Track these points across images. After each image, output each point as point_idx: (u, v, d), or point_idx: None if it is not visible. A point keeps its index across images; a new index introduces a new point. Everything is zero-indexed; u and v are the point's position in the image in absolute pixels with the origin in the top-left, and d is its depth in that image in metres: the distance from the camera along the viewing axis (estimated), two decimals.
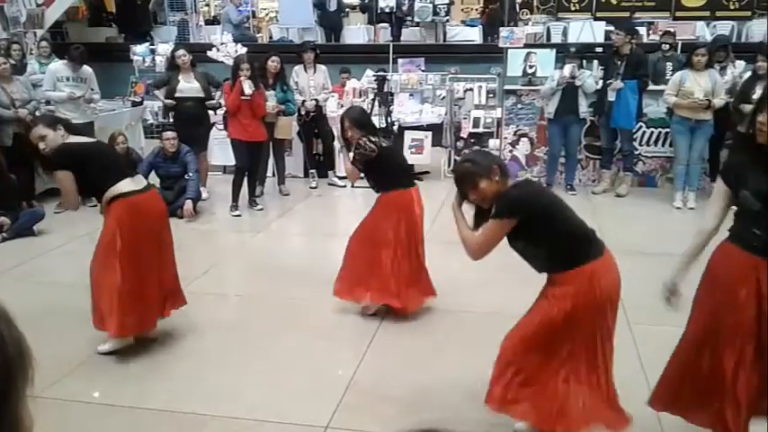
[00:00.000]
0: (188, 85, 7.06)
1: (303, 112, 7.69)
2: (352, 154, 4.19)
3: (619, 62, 7.16)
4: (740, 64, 7.37)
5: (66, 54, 7.24)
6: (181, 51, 7.14)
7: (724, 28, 10.70)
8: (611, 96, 7.13)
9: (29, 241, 6.00)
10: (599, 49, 8.09)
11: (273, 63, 7.20)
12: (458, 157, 8.45)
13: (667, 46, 8.03)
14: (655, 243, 5.83)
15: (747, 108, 6.40)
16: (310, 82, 7.69)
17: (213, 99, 7.19)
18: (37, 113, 6.94)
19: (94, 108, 7.44)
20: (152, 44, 9.95)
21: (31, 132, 3.64)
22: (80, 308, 4.35)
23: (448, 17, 11.75)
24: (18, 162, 6.63)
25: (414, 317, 4.29)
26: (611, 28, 7.91)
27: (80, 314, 4.26)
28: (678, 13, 11.28)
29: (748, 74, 6.75)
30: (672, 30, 9.12)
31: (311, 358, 3.77)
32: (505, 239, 2.78)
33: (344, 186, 8.02)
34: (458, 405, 3.24)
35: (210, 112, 7.54)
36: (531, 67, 8.05)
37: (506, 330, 2.94)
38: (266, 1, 15.30)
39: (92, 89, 7.23)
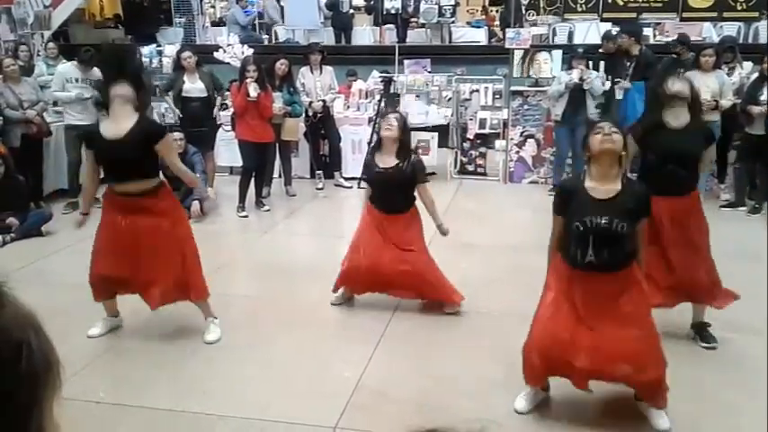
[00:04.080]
0: (192, 86, 7.10)
1: (310, 114, 7.70)
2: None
3: (628, 63, 7.13)
4: (747, 65, 7.33)
5: (75, 56, 7.26)
6: (186, 53, 7.19)
7: (731, 29, 10.66)
8: (619, 95, 7.10)
9: (36, 242, 6.02)
10: (602, 50, 8.06)
11: (282, 66, 7.20)
12: (464, 158, 8.46)
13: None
14: None
15: (755, 110, 6.39)
16: (317, 83, 7.69)
17: (215, 100, 7.25)
18: (45, 114, 6.99)
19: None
20: (158, 46, 9.98)
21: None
22: (86, 308, 4.37)
23: (453, 18, 11.76)
24: (26, 163, 6.65)
25: (423, 317, 4.29)
26: (616, 29, 7.86)
27: (86, 315, 4.28)
28: (685, 14, 11.16)
29: (755, 75, 6.72)
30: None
31: (319, 359, 3.77)
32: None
33: (351, 187, 8.01)
34: (466, 406, 3.23)
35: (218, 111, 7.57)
36: (534, 63, 8.04)
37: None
38: None
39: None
